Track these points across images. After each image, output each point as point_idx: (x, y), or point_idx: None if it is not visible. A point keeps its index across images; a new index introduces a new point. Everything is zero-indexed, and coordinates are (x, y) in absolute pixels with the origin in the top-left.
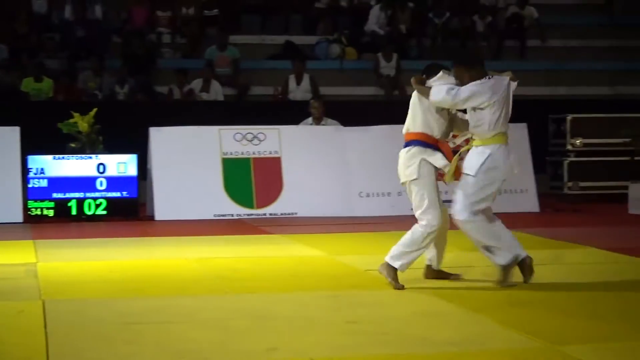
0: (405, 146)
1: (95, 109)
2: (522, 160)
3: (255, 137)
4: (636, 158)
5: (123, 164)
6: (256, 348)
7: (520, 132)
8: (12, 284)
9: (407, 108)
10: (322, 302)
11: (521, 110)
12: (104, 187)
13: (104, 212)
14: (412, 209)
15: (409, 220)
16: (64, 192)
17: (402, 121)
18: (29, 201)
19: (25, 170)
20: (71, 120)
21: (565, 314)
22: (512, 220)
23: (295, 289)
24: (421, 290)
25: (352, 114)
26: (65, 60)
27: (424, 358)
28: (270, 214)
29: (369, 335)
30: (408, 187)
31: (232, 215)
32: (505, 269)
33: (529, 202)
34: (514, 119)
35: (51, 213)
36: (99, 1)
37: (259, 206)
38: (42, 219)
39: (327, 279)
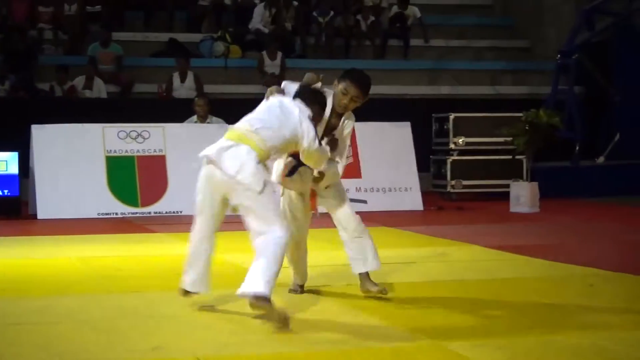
0: None
1: None
2: (405, 158)
3: (139, 135)
4: (517, 157)
5: (4, 162)
6: (141, 347)
7: (403, 131)
8: None
9: None
10: (207, 301)
11: (405, 109)
12: None
13: None
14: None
15: None
16: None
17: None
18: None
19: None
20: None
21: (448, 310)
22: (396, 218)
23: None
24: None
25: (236, 112)
26: None
27: (306, 356)
28: (155, 212)
29: (254, 334)
30: None
31: (117, 213)
32: None
33: (413, 200)
34: (399, 117)
35: None
36: None
37: (144, 204)
38: None
39: (213, 277)
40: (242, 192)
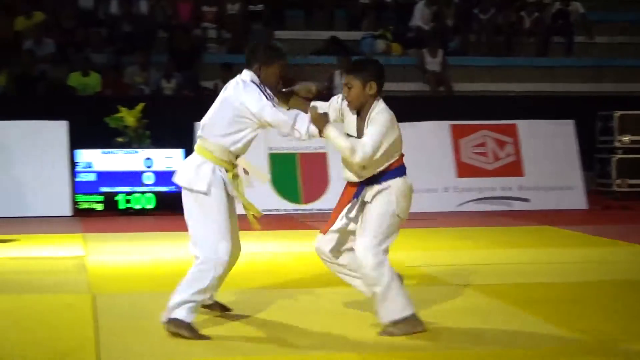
0: None
1: (142, 104)
2: (569, 157)
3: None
4: None
5: (170, 158)
6: (305, 343)
7: (567, 129)
8: (61, 278)
9: (453, 105)
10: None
11: (568, 107)
12: (152, 181)
13: (152, 206)
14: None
15: (455, 217)
16: (112, 186)
17: (447, 117)
18: (77, 195)
19: (73, 164)
20: (118, 115)
21: (614, 312)
22: (559, 217)
23: (337, 283)
24: (466, 287)
25: (396, 108)
26: (111, 55)
27: (473, 356)
28: (317, 210)
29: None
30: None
31: (279, 210)
32: None
33: (577, 199)
34: (562, 115)
35: (100, 207)
36: None
37: (306, 201)
38: (90, 212)
39: None
40: None
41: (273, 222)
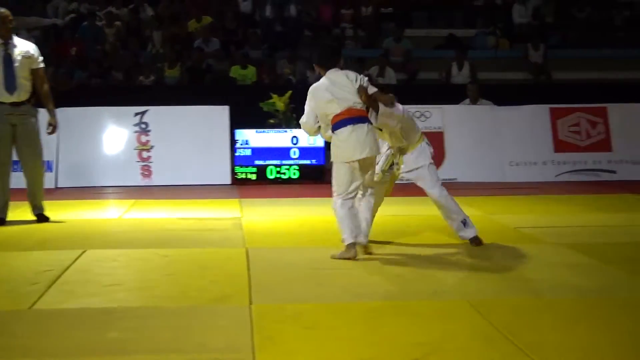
0: (364, 121)
1: (290, 91)
2: None
3: (422, 114)
4: None
5: (312, 137)
6: (425, 290)
7: None
8: (222, 235)
9: (553, 92)
10: (476, 252)
11: None
12: (297, 155)
13: (297, 176)
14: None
15: (553, 186)
16: (264, 159)
17: (547, 101)
18: (236, 167)
19: (233, 142)
20: (270, 101)
21: None
22: None
23: (454, 240)
24: (560, 245)
25: (504, 95)
26: (266, 51)
27: (563, 303)
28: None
29: (518, 282)
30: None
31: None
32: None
33: None
34: None
35: (254, 177)
36: (294, 1)
37: None
38: (246, 181)
39: (482, 234)
40: None
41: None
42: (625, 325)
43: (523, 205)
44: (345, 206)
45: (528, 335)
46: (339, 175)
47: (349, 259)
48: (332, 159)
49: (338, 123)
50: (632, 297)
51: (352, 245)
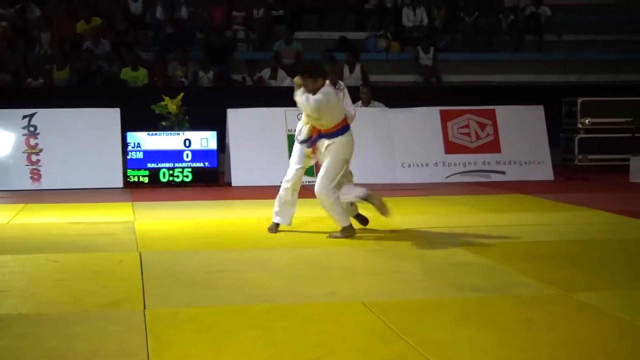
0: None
1: (182, 94)
2: (539, 136)
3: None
4: (636, 135)
5: (205, 139)
6: (317, 293)
7: (537, 113)
8: (114, 238)
9: (442, 93)
10: (369, 253)
11: (538, 94)
12: (189, 158)
13: (190, 179)
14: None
15: (444, 187)
16: (157, 162)
17: (437, 104)
18: (128, 170)
19: (124, 144)
20: (162, 103)
21: (576, 265)
22: (531, 187)
23: (347, 243)
24: (452, 245)
25: (396, 97)
26: (157, 53)
27: (454, 302)
28: None
29: (410, 283)
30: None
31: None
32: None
33: (545, 172)
34: (534, 102)
35: (146, 180)
36: (185, 3)
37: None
38: (138, 184)
39: (373, 234)
40: None
41: None
42: (512, 322)
43: (414, 207)
44: (336, 195)
45: (421, 334)
46: (340, 169)
47: (350, 237)
48: (345, 156)
49: (346, 126)
50: (521, 295)
51: (349, 226)
